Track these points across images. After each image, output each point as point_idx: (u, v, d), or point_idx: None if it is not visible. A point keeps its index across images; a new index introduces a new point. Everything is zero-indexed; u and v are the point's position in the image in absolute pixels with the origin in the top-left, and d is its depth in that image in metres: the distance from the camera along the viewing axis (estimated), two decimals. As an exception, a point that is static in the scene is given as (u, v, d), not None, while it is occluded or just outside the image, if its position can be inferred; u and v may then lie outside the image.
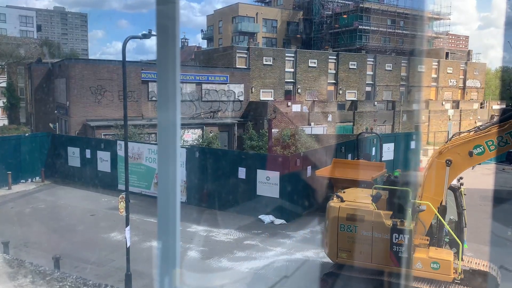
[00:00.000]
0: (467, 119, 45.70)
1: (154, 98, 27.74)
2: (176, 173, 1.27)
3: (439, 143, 34.27)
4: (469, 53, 62.94)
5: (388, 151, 24.92)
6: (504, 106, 54.50)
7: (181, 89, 29.50)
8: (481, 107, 50.78)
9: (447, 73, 52.89)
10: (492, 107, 51.60)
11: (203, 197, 18.30)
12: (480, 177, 25.16)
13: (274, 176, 16.46)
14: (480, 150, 8.68)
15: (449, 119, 42.74)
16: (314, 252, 13.12)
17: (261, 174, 16.76)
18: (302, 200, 17.13)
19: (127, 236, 10.00)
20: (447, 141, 9.61)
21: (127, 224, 10.05)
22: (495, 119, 9.60)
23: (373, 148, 23.84)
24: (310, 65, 42.51)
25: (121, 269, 11.05)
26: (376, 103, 41.39)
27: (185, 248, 13.42)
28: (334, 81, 44.39)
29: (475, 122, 46.57)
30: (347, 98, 43.70)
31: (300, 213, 16.99)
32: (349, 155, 21.63)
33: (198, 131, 29.44)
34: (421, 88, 49.45)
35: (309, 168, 17.52)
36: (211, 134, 27.81)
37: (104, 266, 12.00)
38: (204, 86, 30.79)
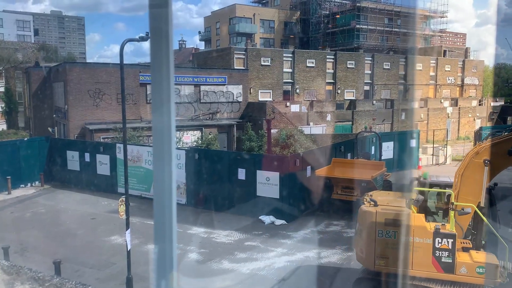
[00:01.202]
0: (466, 116, 45.75)
1: (152, 101, 27.69)
2: (172, 175, 1.26)
3: (438, 141, 34.30)
4: (466, 50, 63.00)
5: (388, 149, 24.93)
6: (502, 103, 54.58)
7: (179, 91, 29.51)
8: (479, 104, 50.80)
9: (445, 70, 52.94)
10: (490, 104, 51.66)
11: (203, 199, 18.29)
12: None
13: (273, 176, 16.45)
14: None
15: (448, 117, 42.77)
16: (315, 252, 13.12)
17: (260, 175, 16.76)
18: (302, 200, 17.14)
19: (128, 239, 9.99)
20: (482, 141, 9.43)
21: (127, 227, 10.04)
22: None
23: (373, 147, 23.85)
24: (308, 65, 42.53)
25: (122, 272, 11.04)
26: (374, 102, 41.41)
27: (185, 250, 13.41)
28: (332, 81, 44.41)
29: (474, 120, 46.63)
30: (345, 98, 43.71)
31: (300, 213, 16.99)
32: (349, 155, 21.64)
33: (197, 133, 29.44)
34: (420, 86, 49.48)
35: (308, 168, 17.52)
36: (210, 136, 27.81)
37: (105, 270, 11.98)
38: (202, 87, 30.79)
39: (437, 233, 8.47)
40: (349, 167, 17.90)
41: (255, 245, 13.89)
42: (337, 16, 53.70)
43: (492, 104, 51.44)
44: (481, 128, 33.23)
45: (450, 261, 8.44)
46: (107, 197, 19.68)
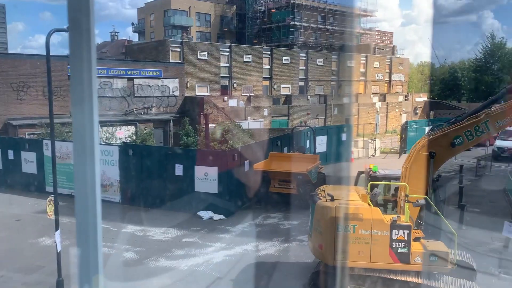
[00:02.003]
0: (393, 111, 48.44)
1: (83, 95, 26.37)
2: (95, 173, 1.21)
3: (368, 134, 36.04)
4: (393, 48, 66.62)
5: (321, 143, 25.78)
6: (425, 99, 58.39)
7: (111, 84, 28.38)
8: (405, 100, 53.97)
9: (374, 67, 55.60)
10: (415, 100, 55.06)
11: (138, 196, 17.80)
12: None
13: (212, 172, 16.39)
14: (460, 141, 9.13)
15: (377, 112, 45.01)
16: (253, 245, 13.28)
17: (198, 170, 16.62)
18: (240, 194, 17.25)
19: (57, 241, 9.47)
20: (426, 135, 9.65)
21: (56, 228, 9.51)
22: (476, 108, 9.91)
23: (307, 141, 24.53)
24: (245, 60, 42.72)
25: (52, 275, 10.46)
26: (309, 97, 42.56)
27: (120, 250, 12.99)
28: (268, 76, 44.98)
29: (400, 114, 49.50)
30: (281, 93, 44.50)
31: (239, 207, 17.10)
32: (285, 149, 22.09)
33: (132, 128, 28.55)
34: (351, 82, 51.58)
35: (246, 162, 17.65)
36: (145, 131, 27.06)
37: (33, 274, 11.29)
38: (137, 81, 29.85)
39: (393, 225, 8.73)
40: (286, 160, 18.29)
41: (193, 241, 13.78)
42: (273, 11, 54.40)
43: (416, 99, 54.88)
44: (406, 122, 35.33)
45: (406, 251, 8.76)
46: (34, 197, 18.51)
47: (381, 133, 43.61)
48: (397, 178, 9.84)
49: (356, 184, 10.94)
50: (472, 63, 69.07)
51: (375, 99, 48.70)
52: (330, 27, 56.81)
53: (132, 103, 29.55)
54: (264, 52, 44.69)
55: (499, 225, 13.01)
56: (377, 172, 10.03)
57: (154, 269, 11.65)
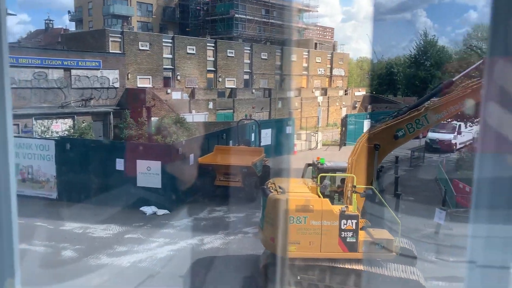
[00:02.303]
0: (334, 105, 49.98)
1: None
2: (8, 166, 1.11)
3: (310, 127, 36.96)
4: (334, 43, 68.59)
5: (266, 136, 26.08)
6: (364, 93, 60.76)
7: (46, 75, 26.86)
8: (345, 94, 55.89)
9: (316, 62, 56.97)
10: (354, 94, 57.16)
11: (77, 193, 17.04)
12: (345, 157, 27.84)
13: (155, 166, 16.04)
14: (402, 133, 9.60)
15: (319, 105, 46.24)
16: (198, 239, 13.20)
17: (141, 165, 16.19)
18: (185, 188, 17.02)
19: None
20: (371, 128, 10.04)
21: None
22: (415, 102, 10.41)
23: (252, 134, 24.70)
24: (188, 51, 42.09)
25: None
26: (254, 90, 42.83)
27: (58, 248, 12.40)
28: (213, 69, 44.68)
29: (341, 108, 51.18)
30: (226, 86, 44.40)
31: (184, 202, 16.89)
32: (230, 142, 22.10)
33: (69, 121, 27.22)
34: (294, 76, 52.53)
35: (191, 156, 17.46)
36: (83, 124, 25.92)
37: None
38: (74, 72, 28.45)
39: (342, 216, 9.00)
40: (231, 154, 18.32)
41: (136, 237, 13.45)
42: (217, 3, 53.96)
43: (356, 93, 56.99)
44: (346, 116, 36.60)
45: (354, 240, 9.06)
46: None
47: (323, 126, 44.89)
48: (343, 170, 10.14)
49: (303, 176, 11.11)
50: (407, 59, 72.74)
51: (317, 93, 49.97)
52: (274, 21, 57.36)
53: (69, 95, 28.15)
54: (208, 44, 44.28)
55: (431, 212, 13.90)
56: (325, 164, 10.26)
57: (94, 266, 11.24)
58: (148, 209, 15.82)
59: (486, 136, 1.00)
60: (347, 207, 9.15)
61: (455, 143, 29.46)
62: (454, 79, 10.84)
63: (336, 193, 10.38)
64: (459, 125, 29.77)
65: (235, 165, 17.09)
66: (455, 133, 30.28)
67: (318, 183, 9.48)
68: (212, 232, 13.88)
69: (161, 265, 11.30)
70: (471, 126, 30.29)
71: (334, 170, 10.45)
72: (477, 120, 24.83)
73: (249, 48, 48.19)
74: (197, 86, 40.88)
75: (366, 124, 35.44)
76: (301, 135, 31.78)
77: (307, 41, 59.75)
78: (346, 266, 9.13)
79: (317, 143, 31.56)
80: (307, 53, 55.14)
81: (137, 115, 27.47)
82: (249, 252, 12.18)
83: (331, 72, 60.40)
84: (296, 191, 9.63)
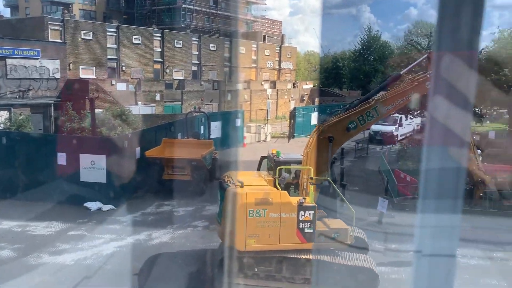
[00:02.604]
0: (282, 98, 50.58)
1: None
2: None
3: (260, 120, 37.18)
4: (282, 37, 69.28)
5: (216, 129, 25.92)
6: (311, 86, 61.96)
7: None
8: (293, 87, 56.71)
9: (265, 55, 57.29)
10: (302, 87, 58.14)
11: (15, 189, 16.08)
12: (295, 149, 28.32)
13: (99, 160, 15.45)
14: (354, 125, 9.90)
15: (268, 98, 46.61)
16: (146, 234, 12.92)
17: (84, 159, 15.54)
18: (132, 183, 16.55)
19: None
20: (323, 121, 10.20)
21: None
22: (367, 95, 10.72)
23: (202, 127, 24.46)
24: (134, 42, 40.83)
25: None
26: (202, 82, 42.37)
27: (-6, 248, 11.66)
28: (160, 60, 43.66)
29: (289, 101, 51.92)
30: (174, 77, 43.57)
31: (130, 196, 16.43)
32: (179, 134, 21.75)
33: (5, 113, 25.58)
34: (243, 69, 52.55)
35: (137, 149, 17.00)
36: (21, 117, 24.44)
37: None
38: (10, 61, 26.71)
39: (300, 207, 9.13)
40: (179, 147, 18.02)
41: (80, 234, 12.93)
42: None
43: (303, 87, 58.00)
44: (295, 109, 37.17)
45: (312, 231, 9.22)
46: None
47: (272, 119, 45.32)
48: (298, 162, 10.28)
49: (259, 169, 11.13)
50: (352, 53, 74.90)
51: (266, 86, 50.33)
52: (222, 13, 56.91)
53: (5, 86, 26.41)
54: (154, 34, 43.18)
55: (374, 201, 14.47)
56: (281, 157, 10.38)
57: (34, 266, 10.69)
58: (93, 205, 15.24)
59: (433, 128, 1.02)
60: (304, 198, 9.30)
61: (397, 135, 30.84)
62: (401, 73, 11.29)
63: (291, 185, 10.52)
64: (400, 118, 31.18)
65: (183, 158, 16.84)
66: (397, 125, 31.68)
67: (277, 175, 9.51)
68: (160, 227, 13.63)
69: (107, 262, 10.95)
70: (411, 119, 31.86)
71: (290, 162, 10.56)
72: (417, 112, 26.12)
73: (197, 39, 47.53)
74: (143, 77, 39.80)
75: (314, 117, 36.22)
76: (250, 128, 31.91)
77: (255, 33, 59.88)
78: (304, 257, 9.29)
79: (266, 136, 31.84)
80: (255, 46, 55.27)
81: (79, 107, 26.29)
82: (199, 246, 12.10)
83: (279, 65, 61.01)
84: (254, 184, 9.64)
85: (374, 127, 32.49)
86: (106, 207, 15.23)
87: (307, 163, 9.74)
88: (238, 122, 28.68)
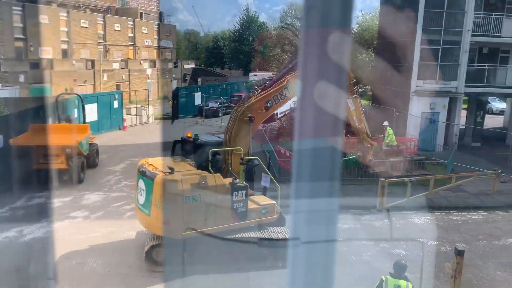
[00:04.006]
0: (164, 77, 49.22)
1: None
2: None
3: (140, 101, 35.76)
4: (161, 14, 66.86)
5: (91, 112, 24.23)
6: (193, 66, 61.34)
7: None
8: (175, 66, 55.49)
9: (143, 33, 54.79)
10: (184, 66, 57.22)
11: None
12: (179, 131, 27.92)
13: (-49, 151, 13.39)
14: (270, 104, 10.36)
15: (148, 78, 44.94)
16: (16, 231, 11.67)
17: None
18: (-6, 175, 14.70)
19: None
20: (242, 101, 10.33)
21: None
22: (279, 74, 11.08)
23: (75, 110, 22.65)
24: (-12, 15, 35.72)
25: None
26: (74, 61, 39.06)
27: None
28: (22, 36, 38.98)
29: (171, 81, 50.75)
30: (41, 56, 39.33)
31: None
32: (50, 119, 19.86)
33: None
34: (119, 47, 49.65)
35: (0, 137, 15.13)
36: None
37: None
38: None
39: (234, 188, 9.28)
40: (51, 133, 16.48)
41: None
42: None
43: (185, 66, 57.11)
44: (177, 89, 36.52)
45: (244, 209, 9.50)
46: None
47: (154, 100, 43.92)
48: (219, 144, 10.34)
49: (173, 154, 10.83)
50: (232, 33, 75.70)
51: (146, 65, 48.39)
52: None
53: None
54: (14, 8, 38.26)
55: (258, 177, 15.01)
56: (201, 140, 10.33)
57: None
58: None
59: (304, 109, 1.02)
60: (236, 179, 9.45)
61: (276, 113, 32.20)
62: None
63: (222, 168, 10.47)
64: (279, 96, 32.60)
65: (56, 145, 15.46)
66: (276, 104, 33.09)
67: (210, 158, 9.43)
68: (33, 221, 12.40)
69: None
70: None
71: (211, 145, 10.52)
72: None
73: (65, 15, 43.38)
74: (2, 56, 35.22)
75: (197, 97, 35.94)
76: (130, 110, 30.49)
77: (130, 10, 56.83)
78: (238, 236, 9.46)
79: (148, 118, 30.77)
80: (132, 23, 52.50)
81: None
82: (79, 237, 11.33)
83: (158, 43, 58.98)
84: (182, 170, 9.41)
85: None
86: (-36, 205, 13.35)
87: (233, 144, 9.89)
88: (116, 104, 27.20)
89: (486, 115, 28.40)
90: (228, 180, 9.51)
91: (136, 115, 29.98)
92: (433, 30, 22.66)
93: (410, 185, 14.16)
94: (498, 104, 40.23)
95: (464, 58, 22.82)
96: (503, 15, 23.40)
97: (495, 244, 11.70)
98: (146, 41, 55.52)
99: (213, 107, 35.27)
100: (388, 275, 6.30)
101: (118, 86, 38.48)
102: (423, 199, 14.68)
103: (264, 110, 10.47)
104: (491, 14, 23.14)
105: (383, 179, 14.16)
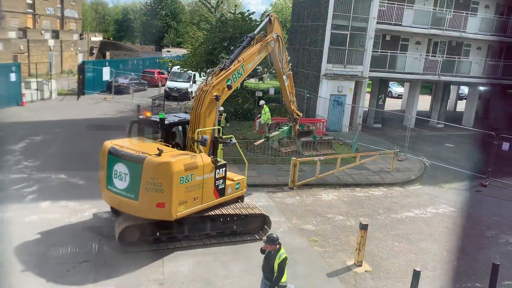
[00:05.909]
0: (68, 50, 45.66)
1: None
2: None
3: (42, 75, 32.88)
4: (64, -19, 61.51)
5: (-16, 85, 21.78)
6: (101, 38, 57.73)
7: None
8: (80, 39, 51.72)
9: (44, 0, 50.09)
10: (91, 39, 53.58)
11: None
12: (86, 108, 26.25)
13: None
14: (230, 82, 10.93)
15: (50, 50, 41.39)
16: None
17: None
18: None
19: None
20: (206, 80, 10.73)
21: None
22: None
23: (-37, 83, 20.20)
24: None
25: None
26: (-40, 27, 34.54)
27: None
28: None
29: (76, 54, 47.28)
30: None
31: None
32: None
33: None
34: (15, 14, 44.90)
35: None
36: None
37: None
38: None
39: (217, 166, 9.84)
40: None
41: None
42: None
43: (92, 39, 53.49)
44: (83, 63, 34.15)
45: (223, 186, 10.20)
46: None
47: (57, 74, 40.64)
48: (185, 123, 10.62)
49: (129, 134, 10.63)
50: (144, 6, 72.35)
51: (48, 35, 44.44)
52: None
53: None
54: None
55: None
56: (168, 119, 10.46)
57: None
58: None
59: None
60: (216, 157, 9.92)
61: (191, 91, 31.72)
62: (256, 33, 12.58)
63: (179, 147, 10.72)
64: (194, 75, 32.06)
65: None
66: (191, 82, 32.53)
67: (196, 138, 9.81)
68: None
69: None
70: (205, 76, 33.15)
71: (177, 124, 10.75)
72: (209, 70, 27.24)
73: None
74: None
75: (106, 72, 33.97)
76: (30, 84, 27.90)
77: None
78: (217, 212, 10.10)
79: (51, 93, 28.45)
80: (31, -12, 47.63)
81: None
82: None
83: (62, 13, 54.40)
84: (167, 151, 9.36)
85: (170, 84, 32.63)
86: None
87: (202, 123, 10.17)
88: (13, 77, 24.73)
89: (387, 99, 30.72)
90: (210, 159, 9.88)
91: (37, 89, 27.53)
92: (342, 16, 23.74)
93: (319, 163, 14.95)
94: (397, 89, 43.70)
95: (369, 44, 24.30)
96: (404, 5, 25.24)
97: (394, 218, 12.84)
98: (48, 9, 50.82)
99: (123, 83, 33.62)
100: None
101: (15, 58, 34.93)
102: (331, 176, 15.60)
103: (226, 89, 10.89)
104: (394, 4, 24.82)
105: (294, 158, 14.76)
